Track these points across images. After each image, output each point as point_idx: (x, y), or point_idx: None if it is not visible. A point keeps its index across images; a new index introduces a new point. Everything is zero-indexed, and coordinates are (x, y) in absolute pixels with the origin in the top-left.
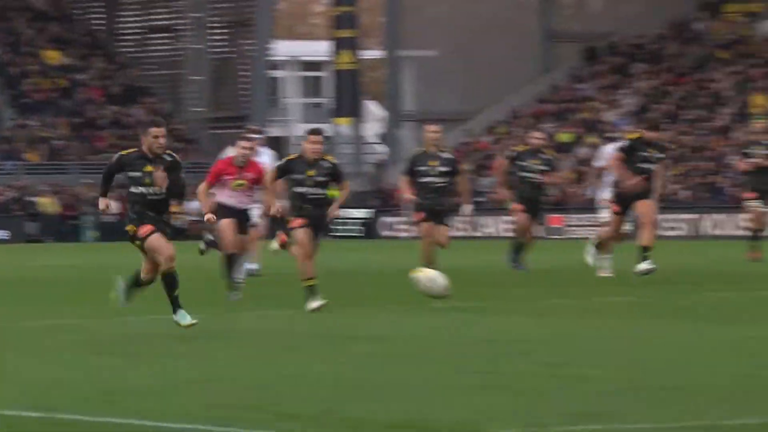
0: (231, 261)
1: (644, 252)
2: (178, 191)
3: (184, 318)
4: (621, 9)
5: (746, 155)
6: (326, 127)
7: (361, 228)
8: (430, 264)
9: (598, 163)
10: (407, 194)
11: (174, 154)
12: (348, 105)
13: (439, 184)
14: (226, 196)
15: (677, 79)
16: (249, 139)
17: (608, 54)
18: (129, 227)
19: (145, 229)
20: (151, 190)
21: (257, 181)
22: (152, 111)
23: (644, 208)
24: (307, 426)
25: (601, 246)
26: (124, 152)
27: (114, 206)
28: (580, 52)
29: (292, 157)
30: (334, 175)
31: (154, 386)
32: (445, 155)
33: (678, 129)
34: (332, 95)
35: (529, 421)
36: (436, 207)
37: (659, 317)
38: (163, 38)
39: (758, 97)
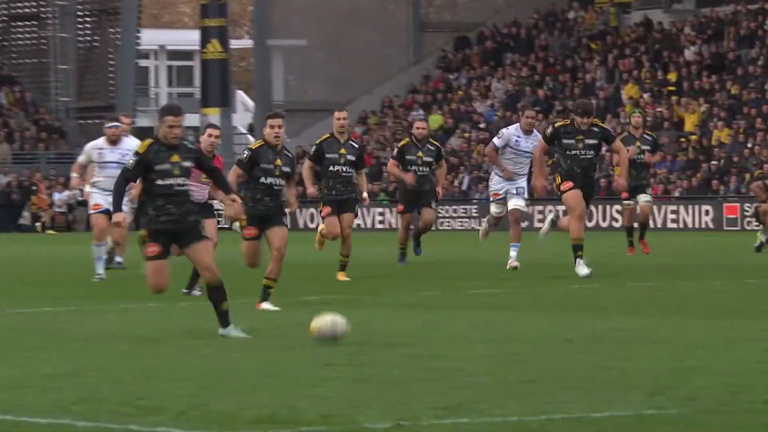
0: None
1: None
2: (220, 178)
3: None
4: None
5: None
6: (195, 118)
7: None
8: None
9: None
10: (310, 188)
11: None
12: (217, 95)
13: (345, 174)
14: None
15: (549, 69)
16: (215, 127)
17: (479, 43)
18: (142, 232)
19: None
20: (180, 180)
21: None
22: (17, 101)
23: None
24: (173, 420)
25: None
26: (141, 147)
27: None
28: (452, 41)
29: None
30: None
31: (19, 380)
32: (354, 143)
33: (551, 119)
34: (201, 85)
35: (398, 414)
36: (342, 196)
37: (528, 309)
38: (28, 26)
39: (629, 88)
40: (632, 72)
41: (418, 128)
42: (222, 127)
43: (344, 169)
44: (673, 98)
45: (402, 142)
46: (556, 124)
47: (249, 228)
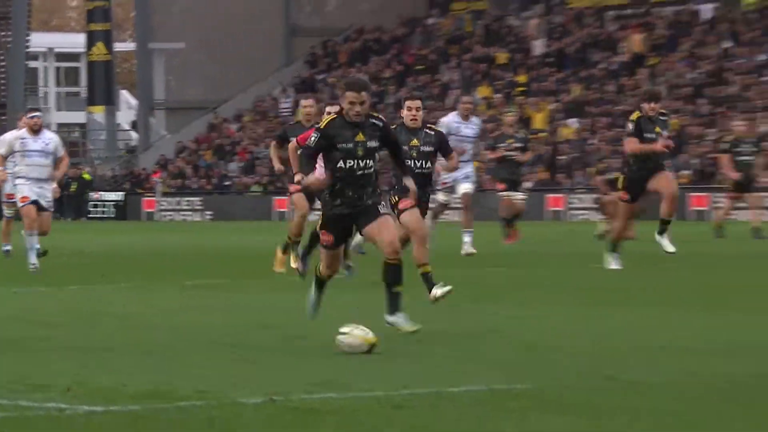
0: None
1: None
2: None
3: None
4: (358, 5)
5: (494, 147)
6: (82, 115)
7: (114, 210)
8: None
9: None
10: (277, 165)
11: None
12: (102, 94)
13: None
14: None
15: (408, 72)
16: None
17: (346, 46)
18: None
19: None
20: (362, 163)
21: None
22: None
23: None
24: (60, 396)
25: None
26: (323, 123)
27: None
28: (320, 44)
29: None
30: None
31: None
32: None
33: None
34: (87, 85)
35: (271, 390)
36: None
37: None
38: None
39: (482, 89)
40: (485, 73)
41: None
42: (106, 124)
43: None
44: (522, 98)
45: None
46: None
47: (404, 200)
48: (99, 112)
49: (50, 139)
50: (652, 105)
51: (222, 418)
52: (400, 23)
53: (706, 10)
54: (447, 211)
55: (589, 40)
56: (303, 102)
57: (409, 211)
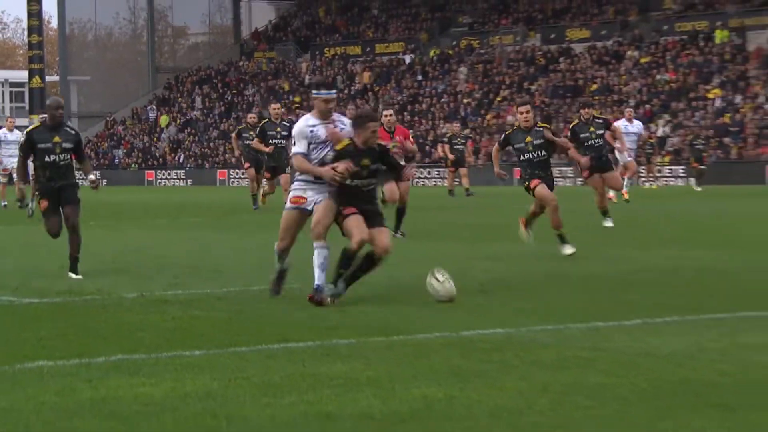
0: None
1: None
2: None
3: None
4: (197, 53)
5: (239, 135)
6: (25, 120)
7: None
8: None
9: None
10: (237, 151)
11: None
12: (38, 107)
13: (281, 145)
14: None
15: (226, 93)
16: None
17: (189, 79)
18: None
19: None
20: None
21: None
22: None
23: None
24: (9, 293)
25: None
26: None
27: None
28: (173, 77)
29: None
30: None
31: None
32: (286, 122)
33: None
34: (29, 102)
35: (143, 289)
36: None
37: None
38: None
39: (273, 105)
40: (276, 94)
41: (273, 109)
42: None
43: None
44: (299, 110)
45: (262, 122)
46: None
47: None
48: (36, 118)
49: (20, 134)
50: (586, 110)
51: (110, 305)
52: (222, 64)
53: (407, 58)
54: None
55: (338, 74)
56: (272, 105)
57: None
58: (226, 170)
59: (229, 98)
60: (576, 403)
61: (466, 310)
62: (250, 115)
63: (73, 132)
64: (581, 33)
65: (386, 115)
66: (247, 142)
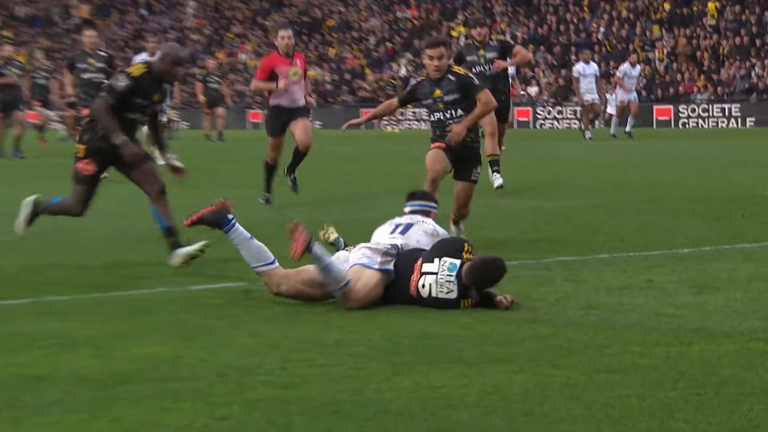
0: None
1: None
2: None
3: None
4: None
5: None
6: None
7: None
8: None
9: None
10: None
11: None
12: None
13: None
14: None
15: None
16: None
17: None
18: None
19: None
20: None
21: None
22: None
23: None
24: None
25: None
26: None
27: None
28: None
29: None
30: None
31: None
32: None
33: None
34: None
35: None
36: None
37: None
38: None
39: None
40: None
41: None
42: None
43: (96, 76)
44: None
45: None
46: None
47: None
48: None
49: None
50: (479, 30)
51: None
52: None
53: None
54: None
55: (52, 6)
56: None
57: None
58: None
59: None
60: (309, 360)
61: (195, 261)
62: None
63: None
64: None
65: (283, 37)
66: None
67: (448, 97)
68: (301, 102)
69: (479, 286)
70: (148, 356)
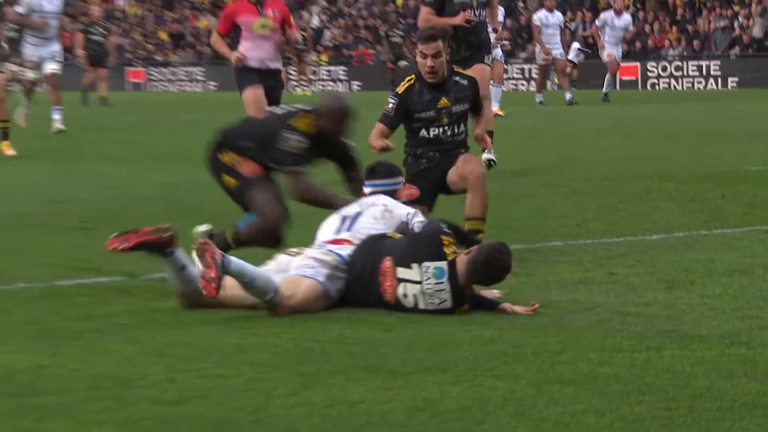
0: None
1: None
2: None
3: None
4: None
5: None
6: None
7: None
8: None
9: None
10: None
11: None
12: None
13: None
14: None
15: None
16: None
17: None
18: None
19: None
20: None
21: None
22: None
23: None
24: None
25: None
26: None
27: None
28: None
29: None
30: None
31: None
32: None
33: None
34: None
35: None
36: None
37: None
38: None
39: None
40: None
41: None
42: None
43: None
44: None
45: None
46: None
47: None
48: None
49: None
50: None
51: None
52: None
53: None
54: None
55: None
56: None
57: None
58: None
59: None
60: (202, 370)
61: (60, 252)
62: None
63: None
64: None
65: None
66: None
67: (458, 108)
68: (275, 64)
69: (488, 284)
70: (4, 366)
